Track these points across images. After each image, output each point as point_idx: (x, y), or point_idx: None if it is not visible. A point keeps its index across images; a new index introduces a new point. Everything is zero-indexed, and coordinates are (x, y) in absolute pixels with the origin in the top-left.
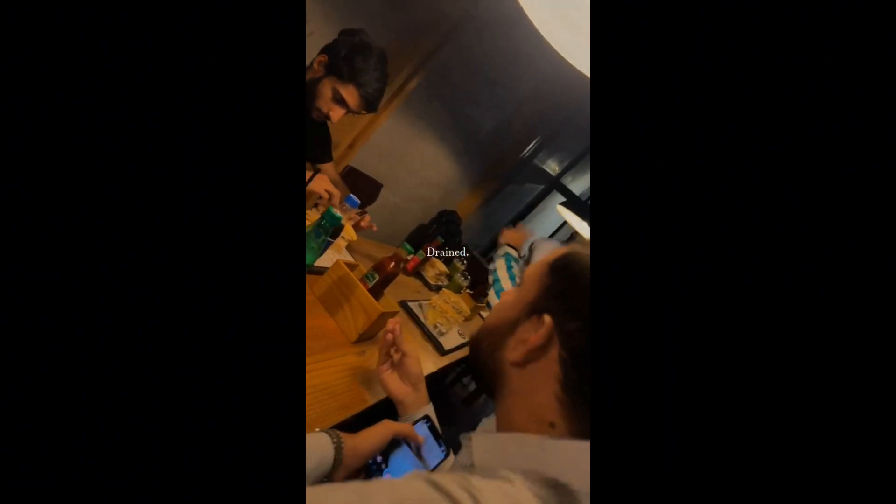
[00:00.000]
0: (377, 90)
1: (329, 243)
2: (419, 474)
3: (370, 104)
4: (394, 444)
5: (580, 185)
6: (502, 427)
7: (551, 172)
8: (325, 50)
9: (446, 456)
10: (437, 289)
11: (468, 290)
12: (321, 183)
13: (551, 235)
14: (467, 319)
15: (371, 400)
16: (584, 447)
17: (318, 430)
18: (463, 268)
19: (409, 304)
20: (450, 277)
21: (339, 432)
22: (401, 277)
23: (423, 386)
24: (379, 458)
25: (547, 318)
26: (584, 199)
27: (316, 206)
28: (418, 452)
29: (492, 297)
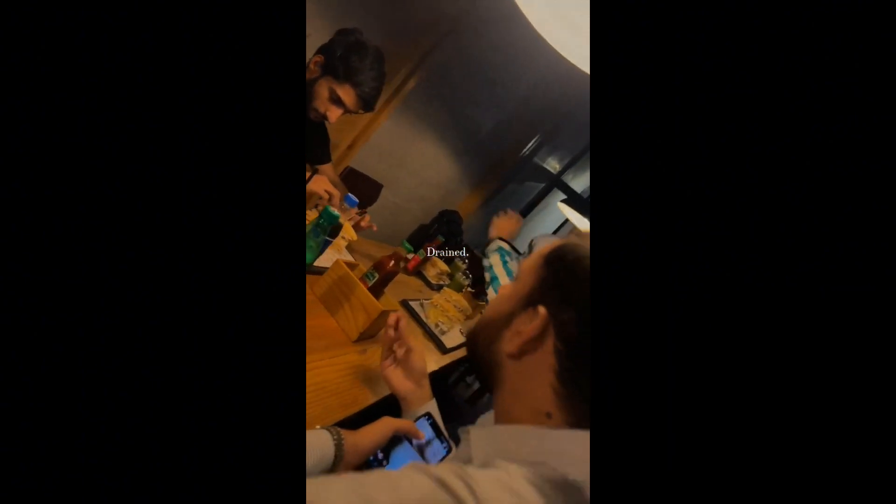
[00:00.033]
0: (374, 89)
1: (328, 243)
2: (416, 465)
3: (367, 103)
4: (395, 440)
5: (581, 182)
6: (500, 419)
7: (552, 170)
8: (320, 50)
9: (448, 452)
10: (439, 288)
11: (470, 289)
12: (321, 183)
13: (554, 233)
14: (469, 318)
15: (372, 398)
16: (580, 436)
17: (318, 427)
18: (464, 266)
19: (411, 303)
20: (451, 276)
21: (339, 429)
22: (402, 277)
23: (426, 382)
24: (380, 455)
25: (542, 310)
26: (585, 196)
27: (316, 206)
28: (420, 449)
29: (490, 293)
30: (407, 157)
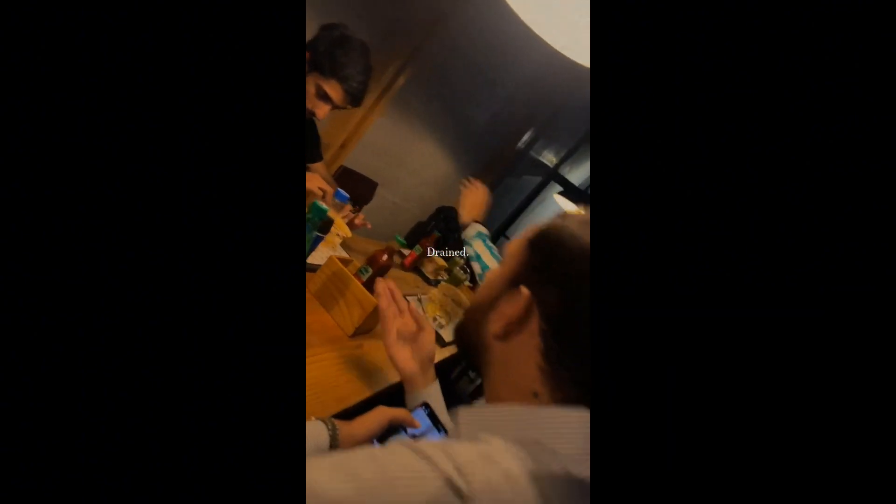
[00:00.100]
0: (361, 83)
1: (319, 238)
2: (402, 441)
3: (355, 98)
4: (391, 430)
5: (579, 174)
6: (490, 400)
7: (549, 164)
8: (306, 46)
9: None
10: (436, 283)
11: (468, 284)
12: (314, 181)
13: None
14: None
15: (368, 392)
16: (566, 413)
17: (313, 418)
18: (462, 262)
19: (408, 298)
20: (449, 271)
21: (334, 420)
22: (399, 273)
23: (431, 366)
24: (375, 444)
25: (524, 290)
26: (583, 188)
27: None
28: (415, 439)
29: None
30: (402, 155)
